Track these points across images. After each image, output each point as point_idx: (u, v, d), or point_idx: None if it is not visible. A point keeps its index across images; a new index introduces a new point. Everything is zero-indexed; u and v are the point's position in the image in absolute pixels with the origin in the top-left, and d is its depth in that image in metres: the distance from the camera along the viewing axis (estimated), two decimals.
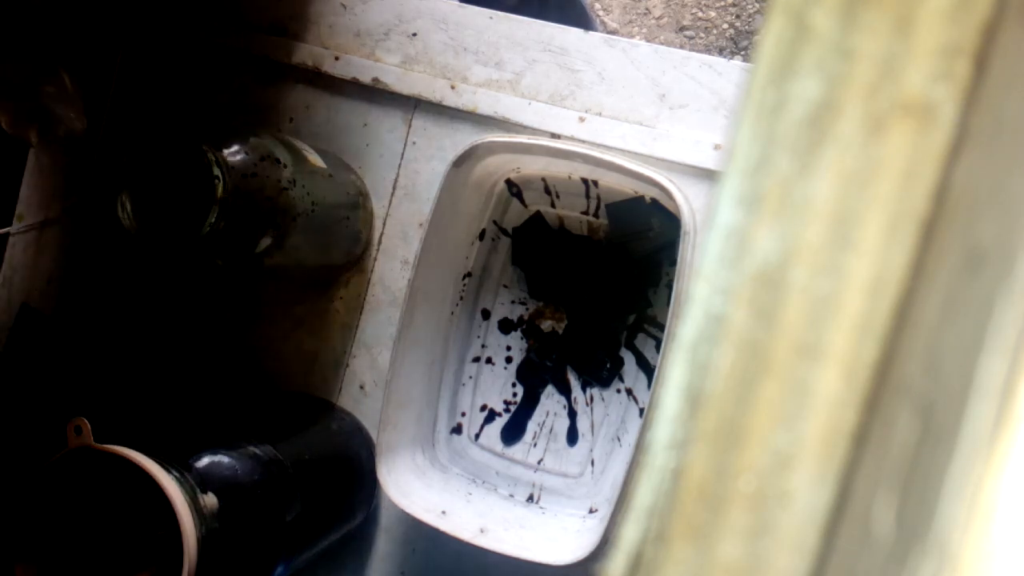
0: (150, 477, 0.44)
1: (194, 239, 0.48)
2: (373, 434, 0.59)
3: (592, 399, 0.59)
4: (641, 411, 0.57)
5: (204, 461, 0.49)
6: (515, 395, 0.60)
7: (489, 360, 0.61)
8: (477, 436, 0.60)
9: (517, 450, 0.60)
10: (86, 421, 0.45)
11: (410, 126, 0.62)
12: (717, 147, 0.55)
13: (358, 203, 0.60)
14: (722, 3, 1.43)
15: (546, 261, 0.60)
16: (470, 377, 0.61)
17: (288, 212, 0.52)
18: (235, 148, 0.50)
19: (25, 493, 0.46)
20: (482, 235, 0.60)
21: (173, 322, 0.66)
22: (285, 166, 0.52)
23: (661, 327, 0.57)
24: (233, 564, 0.48)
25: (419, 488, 0.56)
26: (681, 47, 1.40)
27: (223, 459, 0.50)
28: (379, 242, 0.62)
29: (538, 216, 0.60)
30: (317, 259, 0.58)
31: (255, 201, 0.50)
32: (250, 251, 0.51)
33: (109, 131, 0.67)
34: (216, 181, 0.48)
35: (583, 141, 0.57)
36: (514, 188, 0.59)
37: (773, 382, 0.18)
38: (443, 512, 0.54)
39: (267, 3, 0.65)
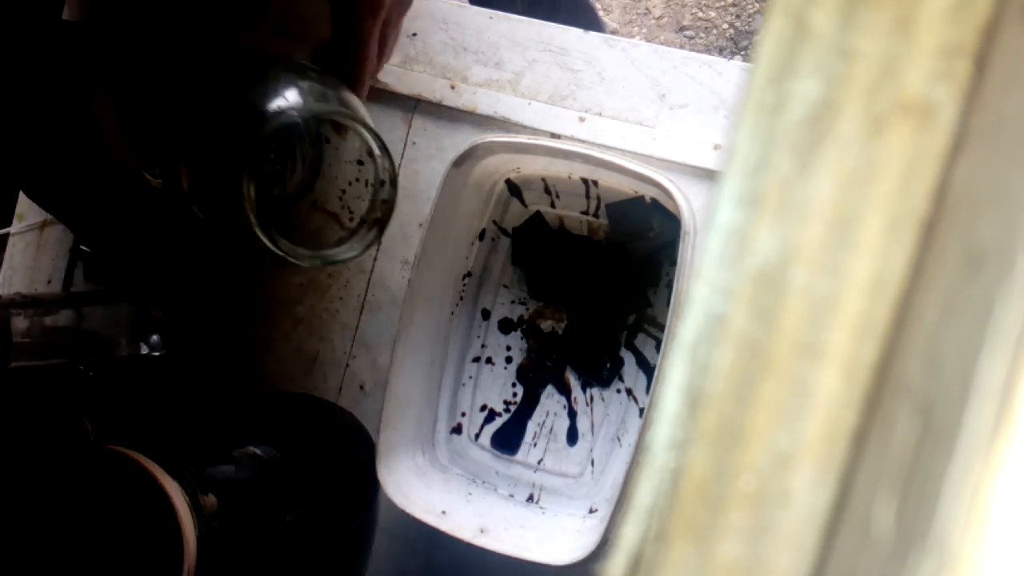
0: (150, 477, 0.44)
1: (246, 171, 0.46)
2: (373, 434, 0.59)
3: (592, 399, 0.59)
4: (641, 411, 0.57)
5: (204, 462, 0.49)
6: (515, 395, 0.60)
7: (489, 360, 0.61)
8: (477, 436, 0.60)
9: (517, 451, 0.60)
10: (86, 421, 0.45)
11: (410, 126, 0.62)
12: (717, 147, 0.55)
13: None
14: (722, 3, 1.43)
15: (546, 261, 0.60)
16: (470, 377, 0.61)
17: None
18: None
19: (25, 493, 0.46)
20: (482, 235, 0.60)
21: (173, 321, 0.66)
22: None
23: (661, 327, 0.57)
24: (233, 564, 0.48)
25: (419, 488, 0.56)
26: (681, 47, 1.41)
27: (223, 459, 0.50)
28: (379, 242, 0.62)
29: (538, 216, 0.60)
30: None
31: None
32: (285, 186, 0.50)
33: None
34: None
35: (583, 141, 0.57)
36: (514, 188, 0.59)
37: (773, 382, 0.18)
38: (443, 512, 0.54)
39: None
